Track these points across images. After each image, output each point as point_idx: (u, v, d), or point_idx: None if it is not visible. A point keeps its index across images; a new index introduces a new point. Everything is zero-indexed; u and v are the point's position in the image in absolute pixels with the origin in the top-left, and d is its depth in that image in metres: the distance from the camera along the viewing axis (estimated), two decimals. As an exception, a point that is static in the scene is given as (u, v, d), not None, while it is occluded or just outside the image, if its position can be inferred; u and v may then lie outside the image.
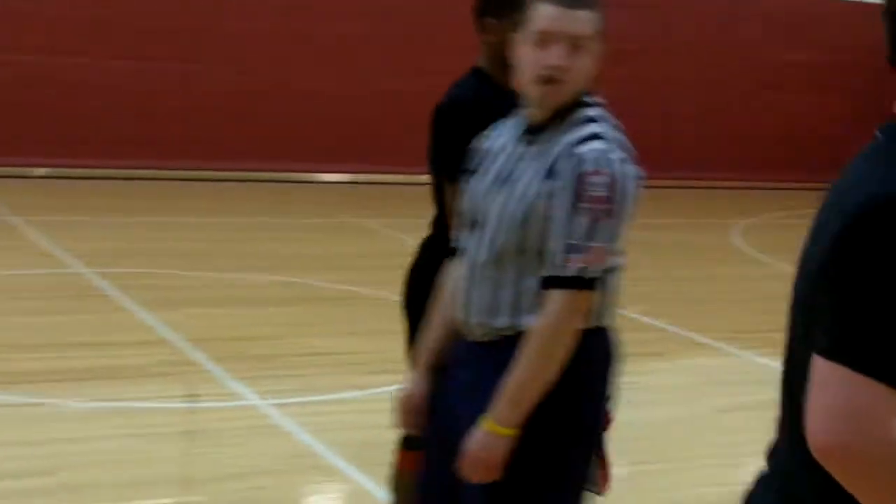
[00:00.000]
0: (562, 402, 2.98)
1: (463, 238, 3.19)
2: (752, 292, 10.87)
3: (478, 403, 3.01)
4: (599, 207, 2.88)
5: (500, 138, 3.18)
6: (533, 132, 3.06)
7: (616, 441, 6.29)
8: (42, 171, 15.57)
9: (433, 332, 3.27)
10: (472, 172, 3.19)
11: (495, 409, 2.94)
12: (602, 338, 3.08)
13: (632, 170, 2.97)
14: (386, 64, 16.53)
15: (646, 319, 9.15)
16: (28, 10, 15.30)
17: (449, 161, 3.68)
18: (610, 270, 3.00)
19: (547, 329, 2.91)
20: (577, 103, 3.02)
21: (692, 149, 18.35)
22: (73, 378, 6.87)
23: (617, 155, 2.94)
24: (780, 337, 1.87)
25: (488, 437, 2.94)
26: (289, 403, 6.55)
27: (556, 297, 2.91)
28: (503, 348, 3.01)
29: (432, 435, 3.25)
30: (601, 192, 2.87)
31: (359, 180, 16.56)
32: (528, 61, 3.00)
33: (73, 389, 6.62)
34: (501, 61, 3.67)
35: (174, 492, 5.30)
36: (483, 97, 3.75)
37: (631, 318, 9.25)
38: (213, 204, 14.66)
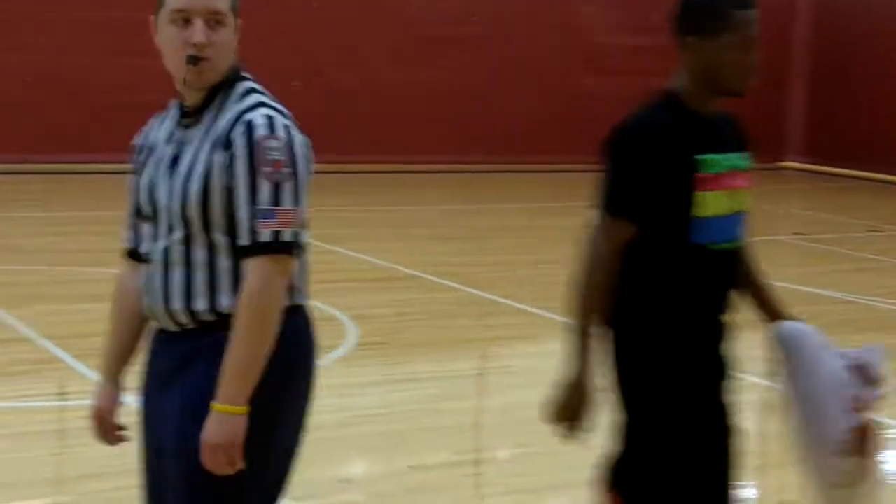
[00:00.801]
0: (271, 383, 2.92)
1: (139, 236, 3.12)
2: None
3: (175, 395, 2.97)
4: (280, 171, 2.87)
5: (157, 131, 3.10)
6: (191, 115, 3.01)
7: (496, 426, 6.31)
8: None
9: (115, 340, 3.19)
10: (136, 171, 3.11)
11: (221, 390, 2.86)
12: (301, 315, 3.05)
13: (301, 136, 2.97)
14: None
15: (515, 304, 9.19)
16: None
17: (615, 193, 3.38)
18: (299, 246, 2.96)
19: (254, 297, 2.86)
20: (233, 78, 3.02)
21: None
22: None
23: (285, 121, 2.94)
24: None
25: (221, 419, 2.85)
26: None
27: (256, 263, 2.87)
28: (199, 336, 2.97)
29: (143, 436, 3.15)
30: (279, 156, 2.88)
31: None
32: (171, 44, 2.96)
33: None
34: (702, 84, 3.38)
35: (46, 492, 5.20)
36: (671, 125, 3.37)
37: (501, 302, 9.27)
38: (46, 198, 14.19)
